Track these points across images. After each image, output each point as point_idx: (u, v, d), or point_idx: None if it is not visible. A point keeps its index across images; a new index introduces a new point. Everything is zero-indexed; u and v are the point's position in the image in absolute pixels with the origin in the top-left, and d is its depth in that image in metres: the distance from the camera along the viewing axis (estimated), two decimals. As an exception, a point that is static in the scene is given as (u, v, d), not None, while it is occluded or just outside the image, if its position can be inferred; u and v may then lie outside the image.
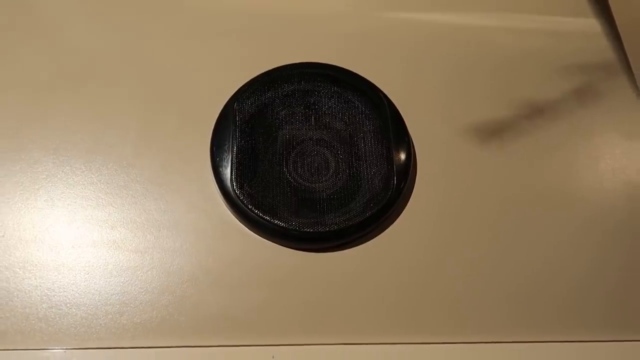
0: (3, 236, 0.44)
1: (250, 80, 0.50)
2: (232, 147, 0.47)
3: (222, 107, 0.49)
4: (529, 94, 0.53)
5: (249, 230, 0.46)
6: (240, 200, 0.45)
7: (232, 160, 0.47)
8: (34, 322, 0.41)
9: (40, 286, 0.42)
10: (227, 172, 0.46)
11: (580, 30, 0.58)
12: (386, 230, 0.46)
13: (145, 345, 0.41)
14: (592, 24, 0.58)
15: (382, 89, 0.51)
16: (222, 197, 0.46)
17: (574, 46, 0.57)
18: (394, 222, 0.47)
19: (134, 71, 0.52)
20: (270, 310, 0.43)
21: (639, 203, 0.49)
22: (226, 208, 0.46)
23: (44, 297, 0.42)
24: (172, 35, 0.55)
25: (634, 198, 0.49)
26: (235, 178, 0.46)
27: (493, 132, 0.51)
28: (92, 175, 0.47)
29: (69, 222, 0.45)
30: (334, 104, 0.50)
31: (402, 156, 0.48)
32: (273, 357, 0.41)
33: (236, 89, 0.50)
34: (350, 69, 0.52)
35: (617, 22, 0.57)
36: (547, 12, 0.60)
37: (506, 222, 0.47)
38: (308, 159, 0.48)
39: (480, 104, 0.53)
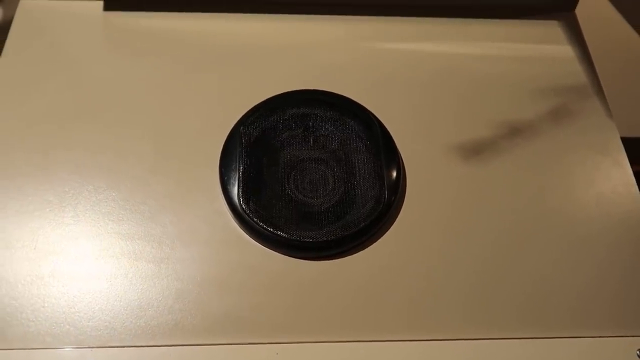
0: (35, 248, 0.47)
1: (255, 107, 0.54)
2: (239, 166, 0.50)
3: (229, 131, 0.52)
4: (507, 115, 0.56)
5: (254, 242, 0.48)
6: (247, 214, 0.48)
7: (239, 179, 0.49)
8: (62, 325, 0.44)
9: (67, 293, 0.45)
10: (235, 189, 0.49)
11: (555, 56, 0.61)
12: (379, 240, 0.49)
13: (161, 344, 0.43)
14: (566, 50, 0.62)
15: (373, 112, 0.54)
16: (230, 212, 0.49)
17: (550, 70, 0.60)
18: (385, 232, 0.49)
19: (150, 101, 0.55)
20: (274, 312, 0.45)
21: (609, 214, 0.51)
22: (234, 222, 0.49)
23: (71, 303, 0.45)
24: (184, 69, 0.58)
25: (604, 209, 0.52)
26: (242, 195, 0.49)
27: (475, 150, 0.54)
28: (113, 193, 0.50)
29: (93, 235, 0.48)
30: (330, 126, 0.53)
31: (392, 173, 0.51)
32: (277, 353, 0.43)
33: (242, 115, 0.53)
34: (344, 95, 0.55)
35: (590, 48, 0.61)
36: (524, 41, 0.63)
37: (486, 232, 0.50)
38: (307, 176, 0.51)
39: (463, 125, 0.56)
